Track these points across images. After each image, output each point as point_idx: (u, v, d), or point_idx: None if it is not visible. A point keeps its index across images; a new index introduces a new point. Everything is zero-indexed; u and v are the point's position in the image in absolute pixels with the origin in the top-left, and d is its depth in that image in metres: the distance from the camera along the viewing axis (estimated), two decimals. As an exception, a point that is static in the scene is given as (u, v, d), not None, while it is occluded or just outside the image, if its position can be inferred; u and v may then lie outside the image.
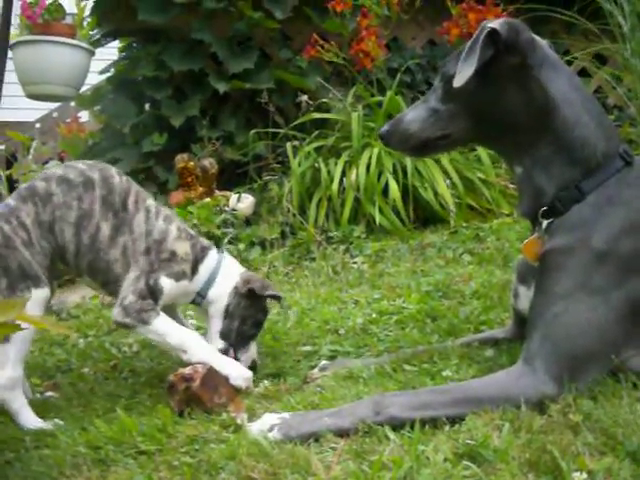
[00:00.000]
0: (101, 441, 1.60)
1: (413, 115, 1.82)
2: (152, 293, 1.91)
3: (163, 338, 1.89)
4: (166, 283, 1.93)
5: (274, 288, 2.11)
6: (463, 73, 1.61)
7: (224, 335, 2.03)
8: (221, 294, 2.03)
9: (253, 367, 2.00)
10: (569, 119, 1.65)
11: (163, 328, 1.90)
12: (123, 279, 1.93)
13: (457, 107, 1.74)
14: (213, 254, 2.06)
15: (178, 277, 1.96)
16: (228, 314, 2.03)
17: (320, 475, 1.27)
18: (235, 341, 2.03)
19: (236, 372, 1.86)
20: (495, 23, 1.64)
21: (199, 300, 2.04)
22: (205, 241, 2.11)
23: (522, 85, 1.66)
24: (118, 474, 1.44)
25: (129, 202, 1.98)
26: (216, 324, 2.04)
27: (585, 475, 1.13)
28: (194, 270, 2.00)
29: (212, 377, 1.79)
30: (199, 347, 1.89)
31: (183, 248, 1.99)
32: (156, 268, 1.93)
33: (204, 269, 2.02)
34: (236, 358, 2.00)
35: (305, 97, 4.07)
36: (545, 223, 1.67)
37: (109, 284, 1.97)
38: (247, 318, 2.04)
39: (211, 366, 1.81)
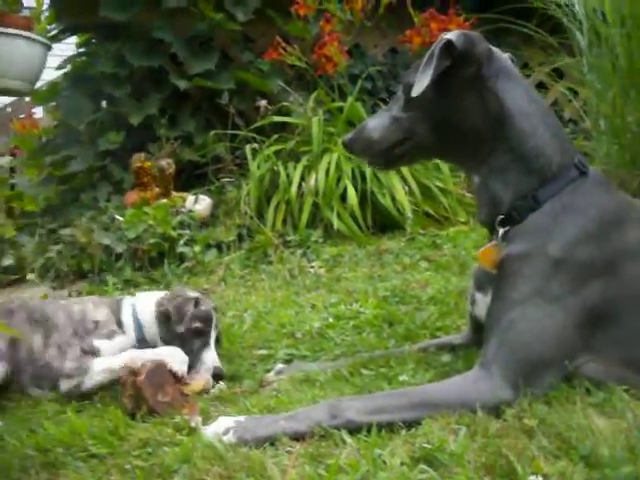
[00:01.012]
0: (50, 444, 1.56)
1: (376, 123, 1.85)
2: (90, 353, 1.98)
3: (109, 368, 1.92)
4: (100, 343, 2.01)
5: (188, 296, 2.11)
6: (420, 83, 1.64)
7: None
8: (152, 329, 2.09)
9: (218, 374, 1.97)
10: (524, 130, 1.67)
11: (102, 362, 1.94)
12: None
13: (417, 115, 1.76)
14: (126, 302, 2.14)
15: (110, 336, 2.04)
16: (166, 341, 2.05)
17: (276, 479, 1.26)
18: (190, 358, 1.99)
19: (171, 356, 1.89)
20: (451, 34, 1.67)
21: (144, 346, 2.05)
22: (118, 297, 2.24)
23: (478, 95, 1.68)
24: (68, 478, 1.41)
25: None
26: None
27: (541, 478, 1.13)
28: (120, 324, 2.09)
29: (158, 374, 1.76)
30: (140, 352, 1.96)
31: (102, 312, 2.09)
32: (86, 337, 2.03)
33: (126, 318, 2.10)
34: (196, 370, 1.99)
35: (264, 102, 4.05)
36: (502, 231, 1.68)
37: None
38: (184, 334, 2.02)
39: (160, 363, 1.80)
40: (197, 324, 2.04)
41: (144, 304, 2.13)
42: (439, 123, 1.74)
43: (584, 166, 1.70)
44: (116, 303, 2.14)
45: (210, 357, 2.01)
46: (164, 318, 2.06)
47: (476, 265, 1.93)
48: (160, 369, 1.78)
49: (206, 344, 2.03)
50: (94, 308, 2.11)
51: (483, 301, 1.77)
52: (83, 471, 1.43)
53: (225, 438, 1.43)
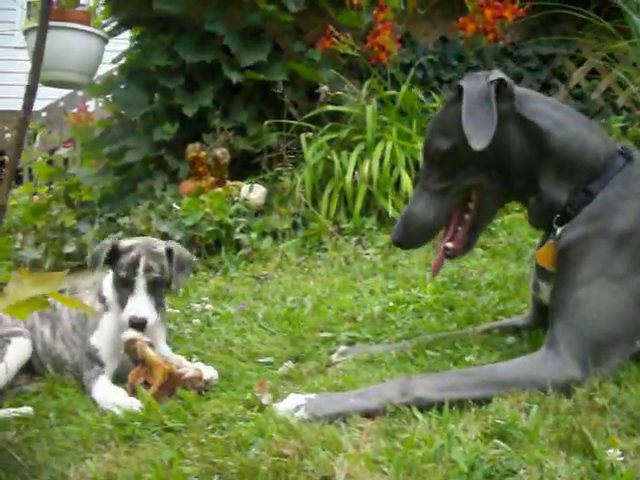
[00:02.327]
0: (127, 419, 1.61)
1: (420, 205, 1.81)
2: (93, 359, 1.97)
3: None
4: (96, 341, 1.98)
5: None
6: (483, 132, 1.62)
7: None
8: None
9: (137, 324, 1.90)
10: (564, 137, 1.70)
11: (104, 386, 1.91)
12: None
13: (466, 172, 1.76)
14: (107, 279, 2.08)
15: (96, 325, 2.01)
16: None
17: (351, 452, 1.29)
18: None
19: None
20: (495, 74, 1.68)
21: None
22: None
23: (513, 126, 1.70)
24: (146, 450, 1.46)
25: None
26: None
27: (618, 452, 1.14)
28: (102, 300, 2.05)
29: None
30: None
31: (89, 299, 2.08)
32: (84, 335, 2.03)
33: (107, 293, 2.05)
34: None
35: (325, 87, 4.06)
36: (559, 230, 1.70)
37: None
38: (117, 285, 1.99)
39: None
40: (121, 273, 1.94)
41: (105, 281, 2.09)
42: (486, 168, 1.74)
43: (629, 151, 1.73)
44: (100, 283, 2.10)
45: (130, 306, 1.92)
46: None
47: (534, 250, 1.94)
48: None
49: (131, 293, 1.94)
50: (84, 298, 2.10)
51: (547, 288, 1.77)
52: (160, 444, 1.47)
53: (297, 414, 1.47)
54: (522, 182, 1.75)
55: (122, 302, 1.95)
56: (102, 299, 2.05)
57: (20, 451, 1.52)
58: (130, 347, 1.87)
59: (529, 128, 1.70)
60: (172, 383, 1.78)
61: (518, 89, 1.73)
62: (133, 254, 1.95)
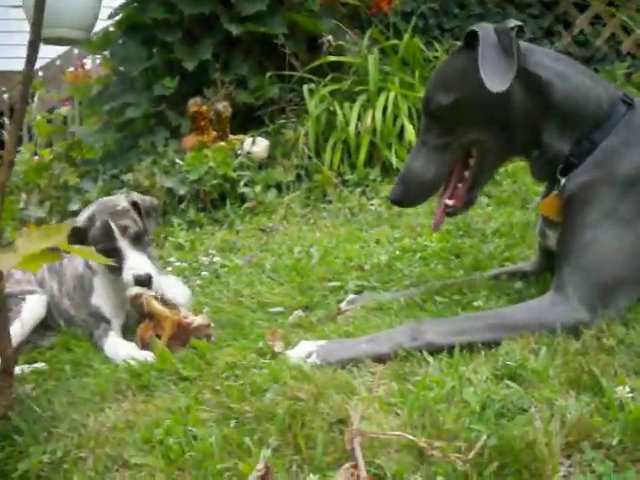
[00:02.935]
0: (142, 369, 1.65)
1: (420, 162, 1.78)
2: (98, 317, 2.01)
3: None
4: (98, 301, 2.03)
5: None
6: (503, 73, 1.59)
7: None
8: None
9: (143, 281, 1.92)
10: (567, 88, 1.69)
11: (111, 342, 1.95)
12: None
13: (467, 127, 1.74)
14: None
15: (90, 290, 2.05)
16: None
17: (364, 395, 1.32)
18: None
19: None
20: (512, 22, 1.67)
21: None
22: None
23: (516, 81, 1.65)
24: (163, 398, 1.49)
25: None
26: None
27: (628, 389, 1.16)
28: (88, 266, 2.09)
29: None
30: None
31: (73, 267, 2.12)
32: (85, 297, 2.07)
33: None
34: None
35: (330, 37, 4.01)
36: (564, 180, 1.70)
37: None
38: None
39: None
40: (99, 245, 1.88)
41: None
42: (488, 123, 1.72)
43: (630, 98, 1.73)
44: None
45: (128, 268, 1.92)
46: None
47: (539, 199, 1.95)
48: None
49: (122, 257, 1.93)
50: (74, 260, 2.12)
51: (553, 235, 1.78)
52: (176, 392, 1.51)
53: (309, 361, 1.49)
54: (524, 136, 1.74)
55: (115, 269, 1.93)
56: (88, 265, 2.07)
57: (39, 403, 1.56)
58: (136, 302, 1.89)
59: (532, 81, 1.69)
60: (181, 333, 1.81)
61: (521, 43, 1.71)
62: (98, 223, 1.93)
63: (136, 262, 1.93)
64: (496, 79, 1.59)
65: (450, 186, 1.82)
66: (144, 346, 1.85)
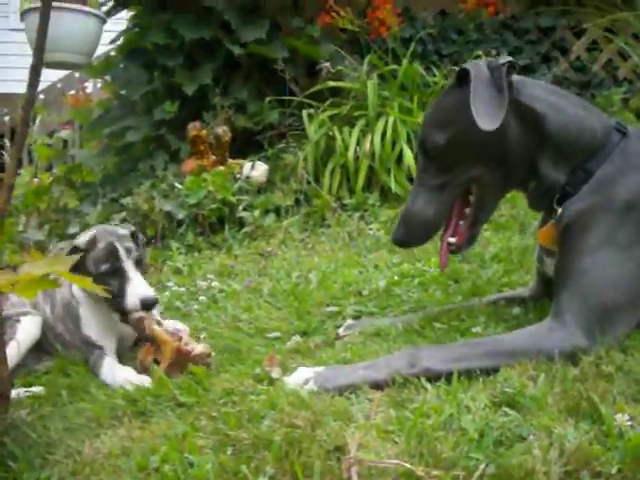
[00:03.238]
0: (139, 395, 1.64)
1: (420, 202, 1.78)
2: (90, 344, 2.00)
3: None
4: (90, 332, 2.01)
5: None
6: (495, 111, 1.60)
7: None
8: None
9: (149, 304, 1.90)
10: (561, 120, 1.71)
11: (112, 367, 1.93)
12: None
13: (464, 166, 1.75)
14: None
15: (76, 320, 2.04)
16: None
17: (362, 422, 1.31)
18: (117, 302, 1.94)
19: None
20: (504, 58, 1.68)
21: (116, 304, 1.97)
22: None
23: (511, 115, 1.68)
24: (159, 425, 1.48)
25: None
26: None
27: (627, 417, 1.16)
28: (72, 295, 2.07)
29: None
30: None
31: (62, 295, 2.09)
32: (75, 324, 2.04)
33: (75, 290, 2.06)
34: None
35: (327, 64, 4.04)
36: (560, 210, 1.71)
37: None
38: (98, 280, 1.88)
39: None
40: (103, 266, 1.91)
41: None
42: (485, 159, 1.73)
43: (623, 127, 1.75)
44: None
45: (134, 292, 1.90)
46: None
47: (537, 224, 1.95)
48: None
49: (125, 279, 1.91)
50: (62, 288, 2.08)
51: (551, 263, 1.78)
52: (172, 419, 1.50)
53: (306, 387, 1.49)
54: (522, 169, 1.75)
55: (115, 292, 1.89)
56: (72, 294, 2.05)
57: (35, 428, 1.54)
58: (139, 325, 1.89)
59: (527, 114, 1.71)
60: (181, 360, 1.80)
61: (514, 76, 1.72)
62: (103, 244, 1.93)
63: (141, 284, 1.92)
64: (487, 117, 1.60)
65: (451, 224, 1.82)
66: (144, 370, 1.84)
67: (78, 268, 1.86)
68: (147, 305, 1.89)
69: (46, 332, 2.10)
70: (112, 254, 1.92)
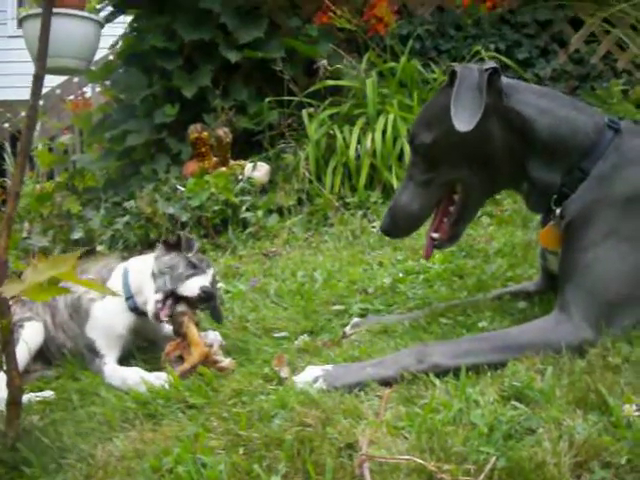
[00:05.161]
0: (149, 397, 1.65)
1: (407, 196, 1.83)
2: (92, 351, 2.00)
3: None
4: (95, 335, 2.00)
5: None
6: (469, 115, 1.62)
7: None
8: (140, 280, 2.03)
9: (207, 293, 1.93)
10: (550, 123, 1.72)
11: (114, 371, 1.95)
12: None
13: (448, 165, 1.78)
14: (118, 267, 2.11)
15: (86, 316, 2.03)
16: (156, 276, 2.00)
17: (372, 419, 1.32)
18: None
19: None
20: (488, 64, 1.69)
21: (132, 304, 2.03)
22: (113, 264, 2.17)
23: (499, 118, 1.71)
24: (171, 426, 1.49)
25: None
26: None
27: (635, 407, 1.17)
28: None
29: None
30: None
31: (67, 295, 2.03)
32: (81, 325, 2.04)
33: (114, 281, 2.06)
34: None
35: (324, 62, 4.05)
36: (558, 210, 1.72)
37: None
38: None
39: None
40: (193, 259, 1.99)
41: (136, 261, 2.12)
42: (468, 162, 1.76)
43: (615, 123, 1.76)
44: (107, 272, 2.10)
45: (196, 281, 1.93)
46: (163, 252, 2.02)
47: (537, 224, 1.96)
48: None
49: (197, 272, 1.96)
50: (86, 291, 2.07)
51: (554, 260, 1.80)
52: (184, 420, 1.51)
53: (315, 386, 1.50)
54: (508, 172, 1.77)
55: (171, 282, 1.92)
56: (86, 291, 2.04)
57: (47, 433, 1.55)
58: (178, 319, 1.89)
59: (514, 119, 1.72)
60: (205, 366, 1.80)
61: (505, 80, 1.74)
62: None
63: (205, 280, 1.95)
64: (463, 119, 1.62)
65: (436, 220, 1.86)
66: (168, 363, 1.85)
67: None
68: (206, 293, 1.91)
69: (48, 343, 2.11)
70: (202, 260, 2.03)
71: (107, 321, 2.01)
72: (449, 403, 1.31)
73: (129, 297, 2.02)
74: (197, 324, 1.91)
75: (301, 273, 2.69)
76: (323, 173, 3.81)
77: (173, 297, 1.92)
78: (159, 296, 1.91)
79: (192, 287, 1.91)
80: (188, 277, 1.93)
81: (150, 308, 1.92)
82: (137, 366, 1.93)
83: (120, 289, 2.02)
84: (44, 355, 2.11)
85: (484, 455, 1.13)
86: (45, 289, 1.36)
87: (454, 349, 1.52)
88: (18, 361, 1.54)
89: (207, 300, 1.94)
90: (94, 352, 1.99)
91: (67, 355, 2.09)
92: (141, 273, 2.03)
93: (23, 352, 1.95)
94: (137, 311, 2.02)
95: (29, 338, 2.01)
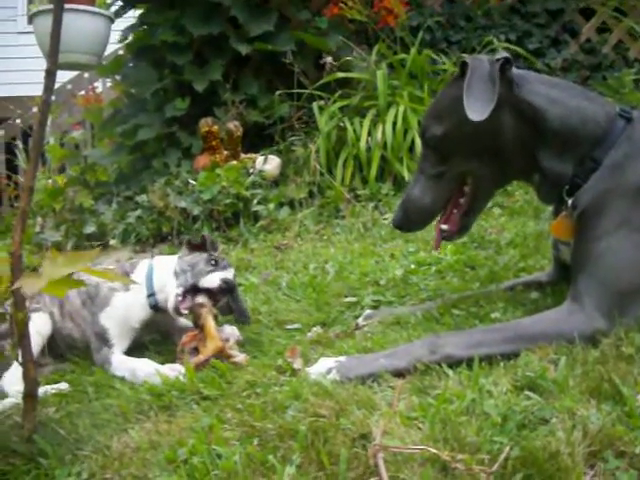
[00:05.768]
0: (164, 389, 1.66)
1: (419, 189, 1.83)
2: (103, 340, 2.00)
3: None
4: (108, 322, 2.01)
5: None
6: (483, 104, 1.62)
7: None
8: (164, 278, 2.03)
9: (228, 287, 1.97)
10: (562, 114, 1.71)
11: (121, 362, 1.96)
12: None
13: (460, 157, 1.77)
14: (143, 262, 2.12)
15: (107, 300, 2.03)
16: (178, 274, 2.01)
17: (386, 410, 1.32)
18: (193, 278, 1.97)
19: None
20: (500, 54, 1.69)
21: (153, 301, 2.03)
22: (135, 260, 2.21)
23: (510, 109, 1.71)
24: (185, 418, 1.50)
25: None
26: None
27: (649, 397, 1.17)
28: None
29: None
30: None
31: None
32: (94, 312, 2.05)
33: (138, 276, 2.06)
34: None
35: (329, 58, 4.04)
36: (570, 201, 1.71)
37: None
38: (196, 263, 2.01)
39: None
40: (214, 255, 2.03)
41: (162, 259, 2.13)
42: (479, 154, 1.75)
43: (627, 112, 1.75)
44: (132, 266, 2.12)
45: (219, 273, 1.96)
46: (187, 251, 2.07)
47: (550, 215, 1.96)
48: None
49: (217, 267, 1.99)
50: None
51: (567, 250, 1.79)
52: (198, 412, 1.52)
53: (329, 377, 1.50)
54: (520, 164, 1.77)
55: (192, 277, 1.95)
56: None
57: (63, 425, 1.56)
58: (197, 310, 1.90)
59: (525, 109, 1.72)
60: (219, 359, 1.81)
61: (516, 71, 1.74)
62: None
63: (227, 274, 1.98)
64: (476, 108, 1.62)
65: (446, 212, 1.86)
66: (181, 353, 1.88)
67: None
68: (228, 284, 1.95)
69: (54, 333, 2.12)
70: (214, 246, 2.10)
71: (125, 312, 2.02)
72: (462, 393, 1.32)
73: (151, 294, 2.03)
74: (216, 317, 1.92)
75: (313, 265, 2.70)
76: (334, 165, 3.81)
77: (193, 291, 1.94)
78: (180, 290, 1.94)
79: (213, 279, 1.94)
80: (209, 272, 1.96)
81: (170, 302, 1.94)
82: (150, 358, 1.94)
83: (143, 285, 2.03)
84: (52, 348, 2.12)
85: (498, 445, 1.13)
86: (63, 283, 1.37)
87: (467, 340, 1.52)
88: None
89: (228, 291, 1.97)
90: (104, 341, 2.00)
91: (70, 347, 2.10)
92: (166, 271, 2.04)
93: (32, 344, 1.96)
94: (156, 308, 2.03)
95: (37, 329, 2.02)
